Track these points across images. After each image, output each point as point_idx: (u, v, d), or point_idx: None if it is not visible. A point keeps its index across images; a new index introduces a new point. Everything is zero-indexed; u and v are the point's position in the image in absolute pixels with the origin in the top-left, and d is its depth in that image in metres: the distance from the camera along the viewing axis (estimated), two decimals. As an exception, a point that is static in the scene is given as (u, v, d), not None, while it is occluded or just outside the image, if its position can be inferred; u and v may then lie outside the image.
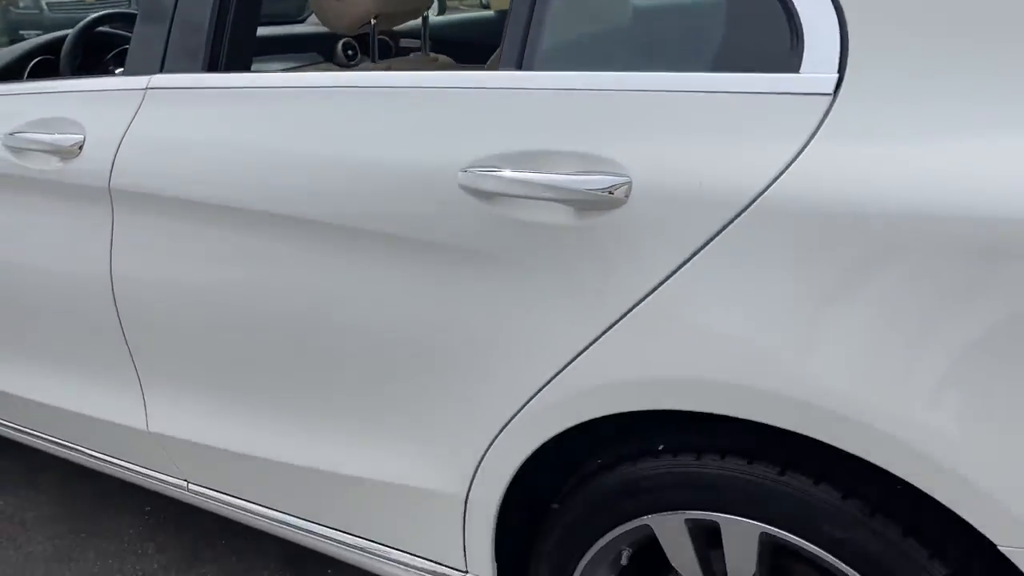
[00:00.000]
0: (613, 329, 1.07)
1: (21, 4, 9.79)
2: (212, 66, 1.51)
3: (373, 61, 2.49)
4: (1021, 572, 0.89)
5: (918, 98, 0.90)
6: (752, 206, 0.96)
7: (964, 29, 0.90)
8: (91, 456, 1.88)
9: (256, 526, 1.69)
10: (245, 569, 1.99)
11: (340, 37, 2.68)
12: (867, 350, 0.91)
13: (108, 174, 1.54)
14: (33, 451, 2.45)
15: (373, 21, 2.10)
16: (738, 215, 0.96)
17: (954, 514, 0.90)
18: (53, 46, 2.32)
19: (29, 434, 2.01)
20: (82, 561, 2.06)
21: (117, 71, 1.90)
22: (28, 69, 2.25)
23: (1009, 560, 0.89)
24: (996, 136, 0.85)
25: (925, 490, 0.91)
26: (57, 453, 1.99)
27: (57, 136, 1.61)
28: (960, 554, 0.95)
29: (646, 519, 1.14)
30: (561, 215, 1.08)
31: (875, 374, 0.91)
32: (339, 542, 1.52)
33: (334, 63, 2.72)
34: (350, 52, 2.73)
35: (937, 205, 0.86)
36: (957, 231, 0.85)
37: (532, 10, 1.15)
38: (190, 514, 2.17)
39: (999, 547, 0.89)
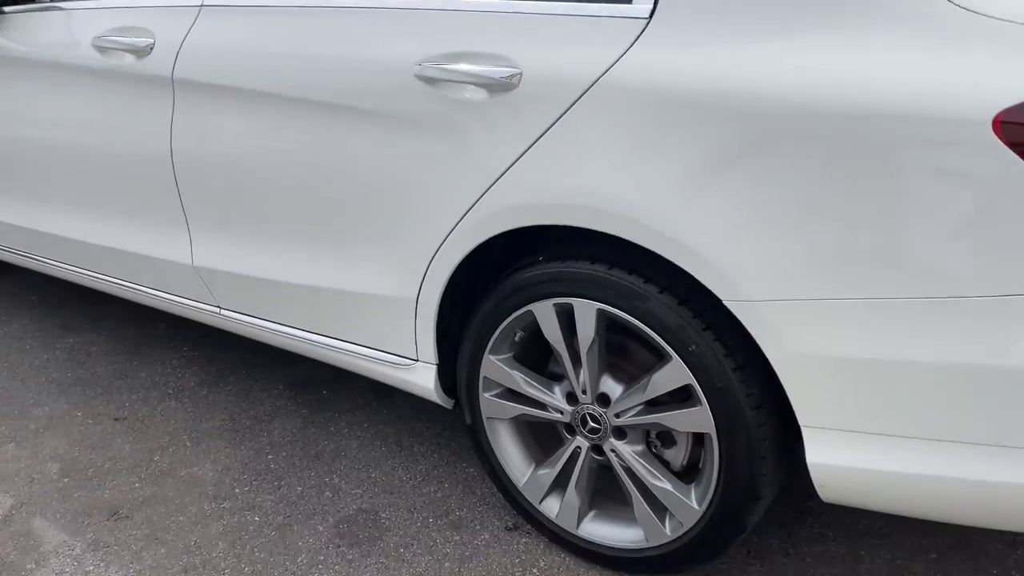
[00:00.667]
0: (508, 172, 1.61)
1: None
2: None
3: None
4: (735, 316, 1.44)
5: (707, 22, 1.42)
6: (592, 88, 1.49)
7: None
8: (146, 292, 2.46)
9: (269, 340, 2.26)
10: (261, 387, 2.58)
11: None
12: (670, 185, 1.45)
13: (172, 68, 2.09)
14: (93, 303, 3.05)
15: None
16: (584, 93, 1.50)
17: (706, 288, 1.45)
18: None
19: (98, 277, 2.58)
20: (134, 378, 2.66)
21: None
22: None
23: (729, 309, 1.44)
24: (761, 46, 1.36)
25: (691, 272, 1.45)
26: (118, 292, 2.57)
27: (134, 39, 2.17)
28: (705, 307, 1.49)
29: (530, 307, 1.70)
30: (479, 94, 1.62)
31: (672, 200, 1.45)
32: (329, 346, 2.09)
33: None
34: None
35: (701, 81, 1.38)
36: (731, 102, 1.35)
37: None
38: (219, 353, 2.77)
39: (724, 302, 1.44)
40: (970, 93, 1.20)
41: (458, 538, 1.94)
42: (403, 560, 1.88)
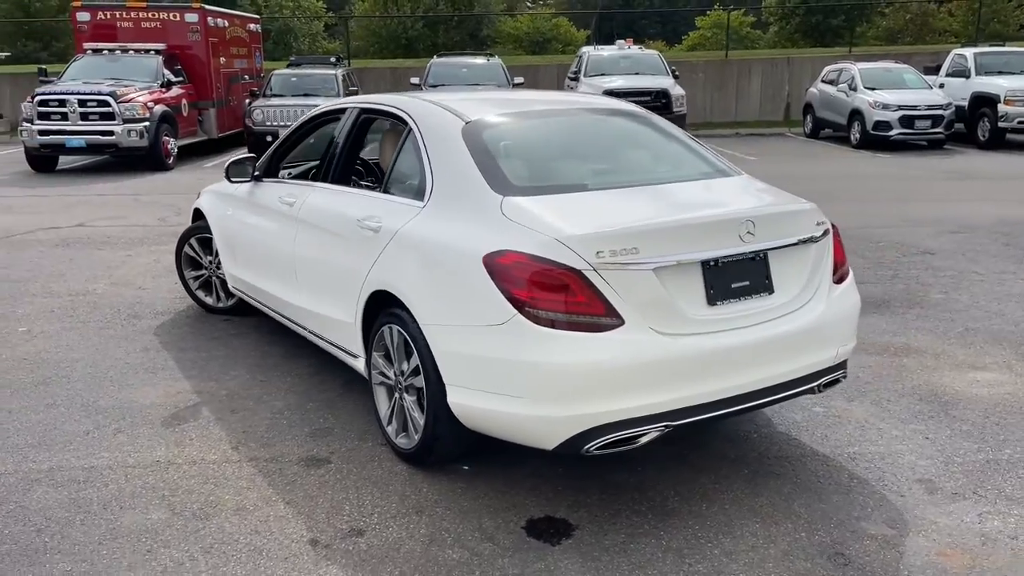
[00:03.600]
0: (372, 267, 3.78)
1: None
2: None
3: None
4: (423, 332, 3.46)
5: (447, 210, 3.54)
6: (395, 235, 3.67)
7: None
8: (287, 320, 4.89)
9: (302, 335, 4.54)
10: (314, 376, 4.84)
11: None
12: (414, 280, 3.55)
13: (298, 212, 4.55)
14: (263, 333, 5.53)
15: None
16: (392, 237, 3.67)
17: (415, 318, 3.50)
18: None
19: (273, 312, 5.07)
20: (292, 375, 5.06)
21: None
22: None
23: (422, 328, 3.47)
24: (458, 221, 3.45)
25: (413, 313, 3.51)
26: (278, 319, 5.04)
27: (290, 199, 4.68)
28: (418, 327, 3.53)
29: (382, 329, 3.80)
30: (370, 233, 3.86)
31: (414, 287, 3.54)
32: (325, 341, 4.34)
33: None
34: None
35: (439, 235, 3.50)
36: (448, 245, 3.46)
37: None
38: (301, 361, 5.09)
39: (420, 325, 3.48)
40: (478, 245, 3.21)
41: (347, 445, 4.00)
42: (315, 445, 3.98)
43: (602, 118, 4.37)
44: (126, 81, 14.55)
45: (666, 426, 3.16)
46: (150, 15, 16.27)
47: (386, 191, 4.02)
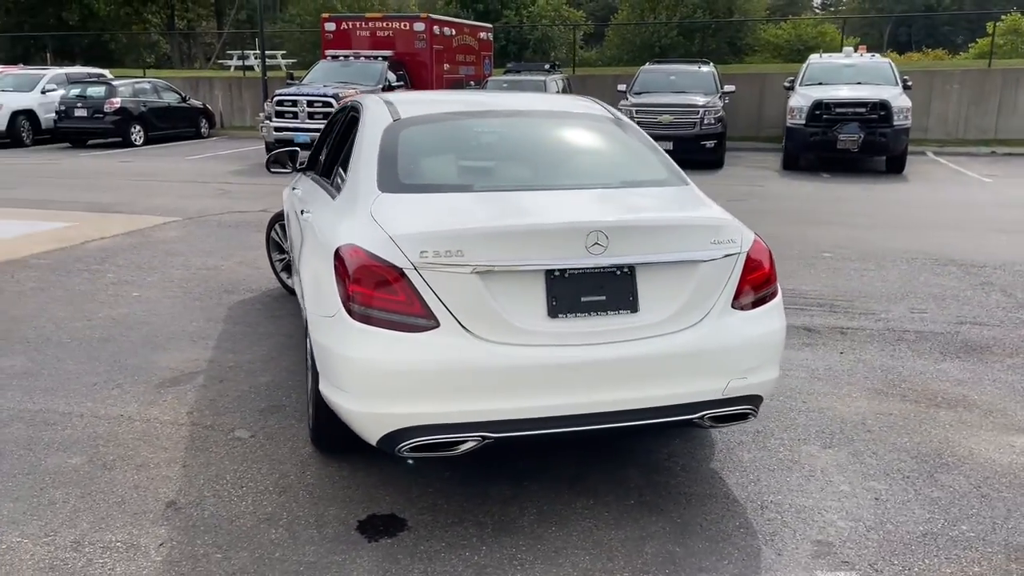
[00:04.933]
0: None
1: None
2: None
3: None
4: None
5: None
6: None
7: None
8: (296, 304, 5.24)
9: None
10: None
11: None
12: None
13: (295, 204, 4.87)
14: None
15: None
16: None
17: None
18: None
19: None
20: (302, 353, 5.43)
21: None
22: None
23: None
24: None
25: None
26: (297, 305, 5.41)
27: (298, 189, 5.00)
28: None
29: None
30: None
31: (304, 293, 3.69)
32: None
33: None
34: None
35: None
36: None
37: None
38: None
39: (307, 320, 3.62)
40: (336, 238, 3.29)
41: (282, 423, 4.22)
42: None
43: (552, 122, 4.23)
44: (352, 84, 15.94)
45: (484, 437, 3.05)
46: (384, 24, 17.69)
47: (331, 183, 4.18)
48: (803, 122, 14.57)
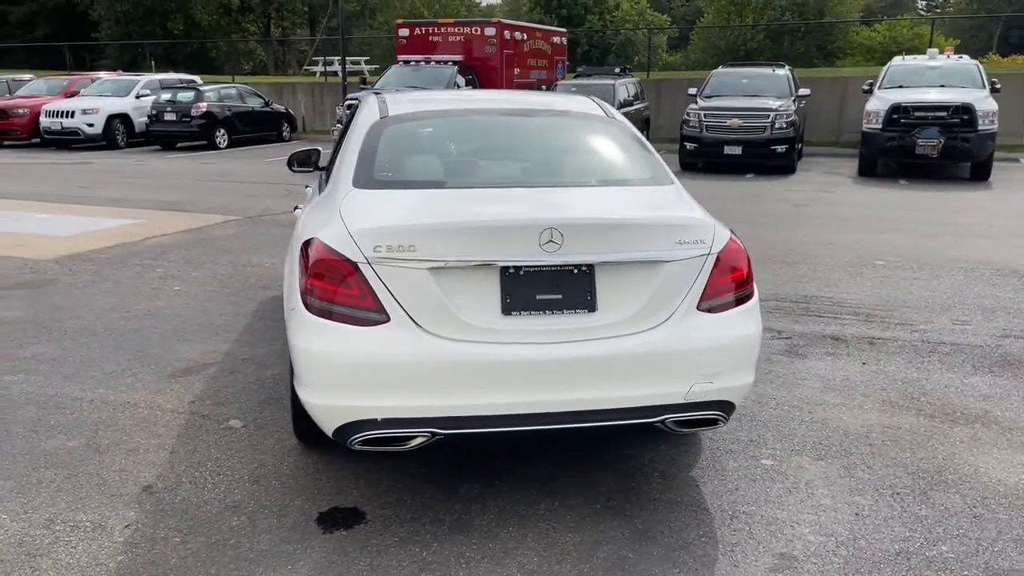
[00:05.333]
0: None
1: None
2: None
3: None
4: (288, 313, 3.66)
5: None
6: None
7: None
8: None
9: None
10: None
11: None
12: None
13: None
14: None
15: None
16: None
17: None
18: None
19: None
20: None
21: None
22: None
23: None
24: None
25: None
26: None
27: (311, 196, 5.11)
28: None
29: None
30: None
31: None
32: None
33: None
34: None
35: None
36: None
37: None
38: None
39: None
40: (305, 233, 3.34)
41: (275, 415, 4.30)
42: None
43: (540, 121, 4.18)
44: (420, 88, 16.17)
45: (433, 433, 3.04)
46: (456, 29, 17.90)
47: (324, 180, 4.25)
48: (880, 127, 14.03)
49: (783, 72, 16.51)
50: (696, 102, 15.69)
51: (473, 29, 17.85)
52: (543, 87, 19.46)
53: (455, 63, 17.01)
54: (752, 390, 4.44)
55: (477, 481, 3.58)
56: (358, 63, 30.65)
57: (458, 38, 17.83)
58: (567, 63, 21.77)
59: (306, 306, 3.11)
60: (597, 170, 3.81)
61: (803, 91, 15.98)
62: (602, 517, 3.31)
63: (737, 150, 14.88)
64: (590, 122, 4.15)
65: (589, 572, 2.96)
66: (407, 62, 17.43)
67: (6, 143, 20.62)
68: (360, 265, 3.03)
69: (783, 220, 10.22)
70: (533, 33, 19.48)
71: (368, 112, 4.06)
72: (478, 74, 17.44)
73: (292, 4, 47.20)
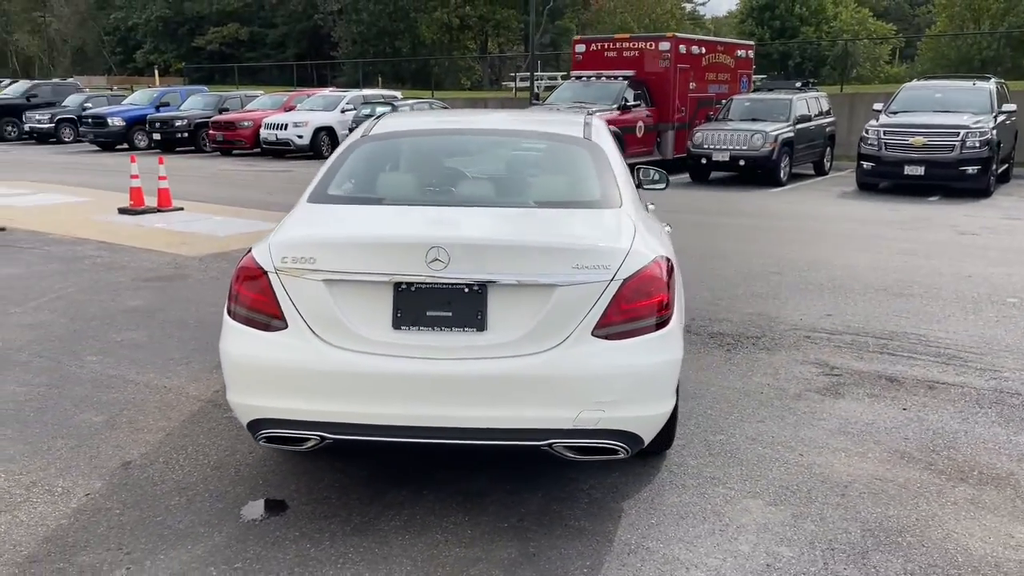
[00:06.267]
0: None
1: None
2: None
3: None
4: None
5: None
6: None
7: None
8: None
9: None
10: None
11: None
12: None
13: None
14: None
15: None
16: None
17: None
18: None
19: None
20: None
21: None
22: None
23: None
24: None
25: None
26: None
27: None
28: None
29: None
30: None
31: None
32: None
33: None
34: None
35: None
36: None
37: None
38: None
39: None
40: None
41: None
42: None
43: (511, 142, 4.20)
44: (588, 105, 16.30)
45: (322, 437, 3.19)
46: (631, 45, 17.84)
47: None
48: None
49: (987, 85, 14.98)
50: (878, 118, 14.65)
51: (648, 44, 17.71)
52: (720, 102, 18.95)
53: (626, 78, 16.97)
54: (754, 427, 4.23)
55: (408, 488, 3.68)
56: (555, 79, 31.23)
57: (632, 53, 17.75)
58: (752, 77, 20.98)
59: (228, 311, 3.37)
60: (540, 192, 3.80)
61: (1008, 106, 14.45)
62: (501, 536, 3.31)
63: (919, 170, 13.74)
64: (563, 144, 4.14)
65: (449, 588, 2.98)
66: (579, 78, 17.62)
67: (234, 152, 23.11)
68: (269, 273, 3.25)
69: (934, 248, 9.34)
70: (714, 47, 19.00)
71: (359, 130, 4.29)
72: (650, 88, 17.28)
73: (508, 22, 48.93)
